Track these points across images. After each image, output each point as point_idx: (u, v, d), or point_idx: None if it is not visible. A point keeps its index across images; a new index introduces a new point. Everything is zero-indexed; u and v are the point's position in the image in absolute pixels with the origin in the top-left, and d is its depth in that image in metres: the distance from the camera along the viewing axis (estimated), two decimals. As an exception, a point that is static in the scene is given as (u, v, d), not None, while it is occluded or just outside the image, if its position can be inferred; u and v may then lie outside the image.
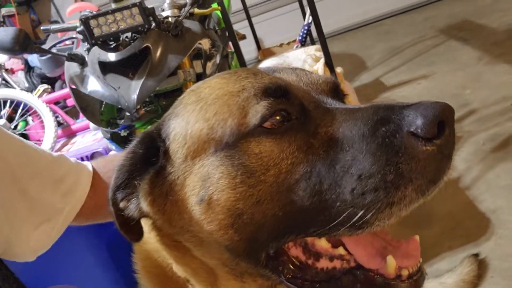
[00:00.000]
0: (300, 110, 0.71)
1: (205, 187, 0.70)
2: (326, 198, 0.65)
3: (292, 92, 0.72)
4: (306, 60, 2.73)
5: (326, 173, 0.65)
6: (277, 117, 0.69)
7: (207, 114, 0.73)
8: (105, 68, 1.90)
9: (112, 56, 1.87)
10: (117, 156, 1.19)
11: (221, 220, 0.70)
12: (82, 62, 1.98)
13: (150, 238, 0.87)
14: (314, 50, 2.87)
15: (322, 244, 0.72)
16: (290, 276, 0.72)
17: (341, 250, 0.72)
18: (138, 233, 0.82)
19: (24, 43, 1.79)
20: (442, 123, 0.61)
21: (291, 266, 0.72)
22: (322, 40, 2.75)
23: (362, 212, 0.62)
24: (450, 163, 0.64)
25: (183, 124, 0.75)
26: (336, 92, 0.82)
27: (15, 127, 3.28)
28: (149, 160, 0.77)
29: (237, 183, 0.68)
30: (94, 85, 1.91)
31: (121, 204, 0.78)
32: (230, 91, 0.73)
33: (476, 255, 1.91)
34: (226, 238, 0.72)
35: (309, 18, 3.71)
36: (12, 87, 3.72)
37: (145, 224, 0.85)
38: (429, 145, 0.60)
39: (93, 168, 1.09)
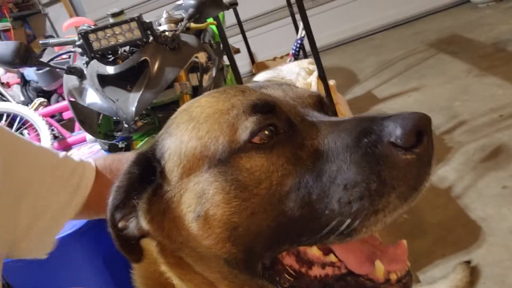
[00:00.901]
0: (287, 124, 0.73)
1: (201, 203, 0.72)
2: (316, 208, 0.67)
3: (279, 107, 0.74)
4: (299, 73, 2.79)
5: (314, 184, 0.68)
6: (266, 132, 0.71)
7: (200, 133, 0.75)
8: (104, 81, 1.93)
9: (110, 69, 1.90)
10: (120, 155, 1.22)
11: (218, 234, 0.72)
12: (80, 75, 2.01)
13: (157, 259, 0.89)
14: (307, 63, 2.93)
15: (314, 252, 0.74)
16: (286, 286, 0.74)
17: (332, 258, 0.74)
18: (138, 254, 0.84)
19: (24, 56, 1.82)
20: (420, 132, 0.63)
21: (286, 275, 0.74)
22: (315, 54, 2.81)
23: (349, 220, 0.64)
24: (430, 169, 0.66)
25: (177, 143, 0.77)
26: (321, 105, 0.84)
27: (11, 140, 3.29)
28: (145, 180, 0.79)
29: (231, 197, 0.70)
30: (93, 98, 1.94)
31: (120, 224, 0.80)
32: (220, 109, 0.75)
33: (468, 262, 1.95)
34: (224, 252, 0.74)
35: (302, 33, 3.79)
36: (8, 100, 3.74)
37: (152, 246, 0.86)
38: (409, 153, 0.63)
39: (96, 164, 1.14)
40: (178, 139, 0.77)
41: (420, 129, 0.63)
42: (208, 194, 0.71)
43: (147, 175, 0.79)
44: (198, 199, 0.73)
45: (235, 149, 0.71)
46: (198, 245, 0.76)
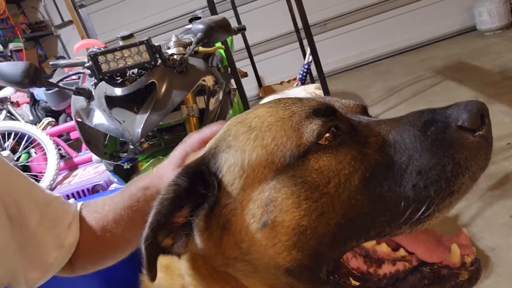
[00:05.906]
0: (348, 125, 0.75)
1: (268, 211, 0.71)
2: (387, 199, 0.68)
3: (338, 111, 0.77)
4: (306, 98, 2.80)
5: (384, 176, 0.70)
6: (327, 134, 0.73)
7: (264, 141, 0.74)
8: (111, 102, 1.94)
9: (118, 91, 1.92)
10: (103, 198, 1.13)
11: (285, 242, 0.71)
12: (88, 96, 2.03)
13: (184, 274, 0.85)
14: (314, 88, 2.95)
15: (383, 249, 0.73)
16: None
17: (402, 252, 0.73)
18: (155, 271, 0.77)
19: (34, 77, 1.85)
20: (482, 115, 0.68)
21: (351, 278, 0.73)
22: (322, 79, 2.83)
23: (425, 205, 0.66)
24: (491, 150, 0.69)
25: (239, 153, 0.76)
26: (367, 113, 0.88)
27: (18, 159, 3.31)
28: (192, 195, 0.75)
29: (301, 200, 0.70)
30: (99, 119, 1.96)
31: (165, 242, 0.75)
32: (281, 117, 0.76)
33: (475, 294, 1.90)
34: (288, 260, 0.72)
35: (309, 58, 3.82)
36: (16, 119, 3.79)
37: (182, 264, 0.81)
38: (476, 135, 0.67)
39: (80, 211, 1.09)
40: (239, 150, 0.76)
41: (482, 112, 0.68)
42: (276, 201, 0.71)
43: (195, 190, 0.76)
44: (265, 207, 0.71)
45: (303, 152, 0.72)
46: (260, 256, 0.73)
